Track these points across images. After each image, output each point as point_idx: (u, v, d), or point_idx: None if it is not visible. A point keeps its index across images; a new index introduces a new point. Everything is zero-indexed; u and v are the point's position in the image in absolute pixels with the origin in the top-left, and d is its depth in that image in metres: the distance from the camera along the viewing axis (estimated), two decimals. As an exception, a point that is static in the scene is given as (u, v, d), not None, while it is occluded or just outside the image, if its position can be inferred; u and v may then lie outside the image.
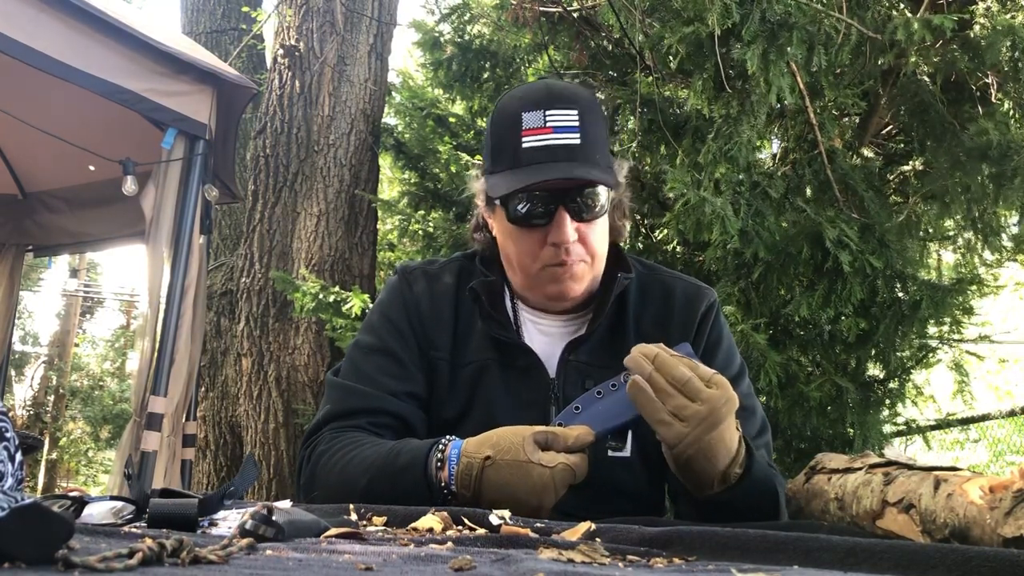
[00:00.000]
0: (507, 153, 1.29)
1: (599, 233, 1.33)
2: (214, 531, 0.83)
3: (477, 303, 1.38)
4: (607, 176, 1.29)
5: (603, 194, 1.31)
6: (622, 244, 1.47)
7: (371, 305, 3.74)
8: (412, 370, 1.37)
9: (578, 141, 1.26)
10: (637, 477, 1.35)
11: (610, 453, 1.28)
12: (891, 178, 3.82)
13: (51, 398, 16.82)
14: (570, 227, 1.27)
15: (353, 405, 1.33)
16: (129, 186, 3.31)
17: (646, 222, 3.77)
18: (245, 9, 5.79)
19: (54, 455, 16.24)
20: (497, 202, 1.33)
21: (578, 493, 1.14)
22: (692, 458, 1.08)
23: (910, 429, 4.10)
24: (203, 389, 4.67)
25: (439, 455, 1.14)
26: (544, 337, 1.40)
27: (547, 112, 1.26)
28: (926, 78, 3.35)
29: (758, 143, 3.20)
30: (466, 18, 4.24)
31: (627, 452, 1.30)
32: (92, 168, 4.02)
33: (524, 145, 1.26)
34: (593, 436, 1.12)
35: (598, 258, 1.35)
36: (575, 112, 1.27)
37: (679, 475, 1.14)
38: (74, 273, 16.71)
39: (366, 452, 1.23)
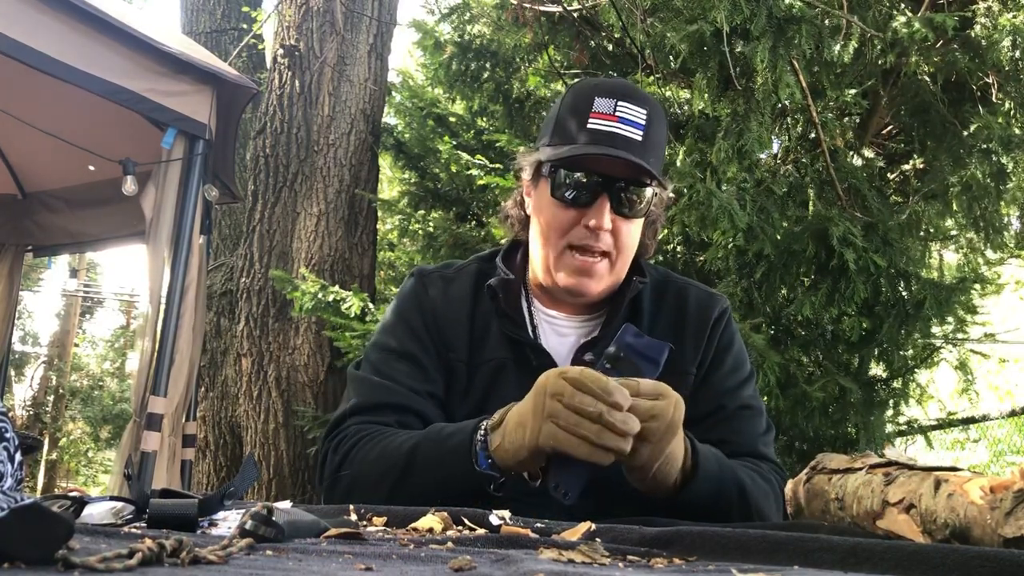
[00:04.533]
0: (571, 129, 1.32)
1: (632, 233, 1.35)
2: (214, 531, 0.83)
3: (494, 301, 1.39)
4: (658, 177, 1.32)
5: (647, 196, 1.33)
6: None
7: (371, 305, 3.74)
8: (432, 372, 1.38)
9: (640, 138, 1.29)
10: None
11: None
12: (892, 178, 3.82)
13: (51, 398, 16.82)
14: (608, 215, 1.30)
15: (380, 399, 1.34)
16: (129, 186, 3.31)
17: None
18: (245, 9, 5.79)
19: (54, 455, 16.25)
20: (544, 174, 1.34)
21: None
22: (659, 468, 1.11)
23: (911, 429, 4.10)
24: (203, 389, 4.67)
25: (486, 424, 1.17)
26: (559, 337, 1.41)
27: (619, 103, 1.29)
28: (927, 78, 3.35)
29: (766, 140, 3.20)
30: (466, 18, 4.24)
31: None
32: (92, 168, 4.02)
33: (589, 125, 1.29)
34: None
35: (624, 256, 1.36)
36: (645, 112, 1.30)
37: (644, 487, 1.15)
38: (74, 273, 16.67)
39: (403, 435, 1.25)
